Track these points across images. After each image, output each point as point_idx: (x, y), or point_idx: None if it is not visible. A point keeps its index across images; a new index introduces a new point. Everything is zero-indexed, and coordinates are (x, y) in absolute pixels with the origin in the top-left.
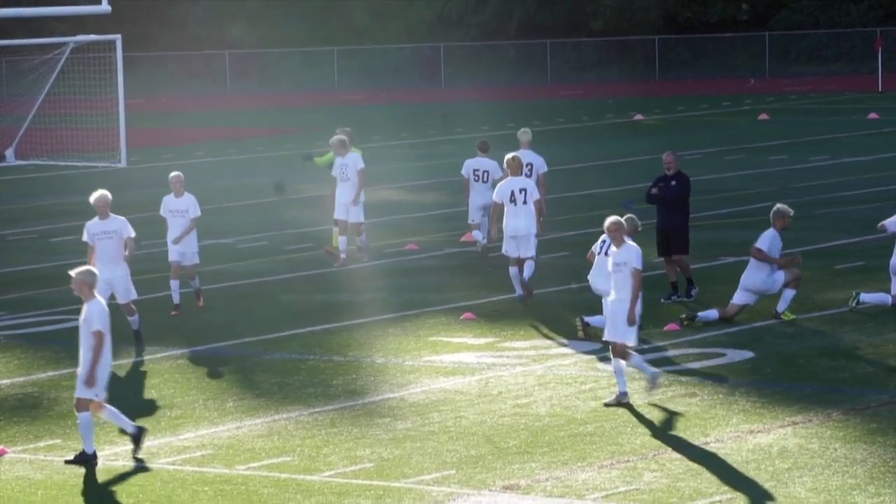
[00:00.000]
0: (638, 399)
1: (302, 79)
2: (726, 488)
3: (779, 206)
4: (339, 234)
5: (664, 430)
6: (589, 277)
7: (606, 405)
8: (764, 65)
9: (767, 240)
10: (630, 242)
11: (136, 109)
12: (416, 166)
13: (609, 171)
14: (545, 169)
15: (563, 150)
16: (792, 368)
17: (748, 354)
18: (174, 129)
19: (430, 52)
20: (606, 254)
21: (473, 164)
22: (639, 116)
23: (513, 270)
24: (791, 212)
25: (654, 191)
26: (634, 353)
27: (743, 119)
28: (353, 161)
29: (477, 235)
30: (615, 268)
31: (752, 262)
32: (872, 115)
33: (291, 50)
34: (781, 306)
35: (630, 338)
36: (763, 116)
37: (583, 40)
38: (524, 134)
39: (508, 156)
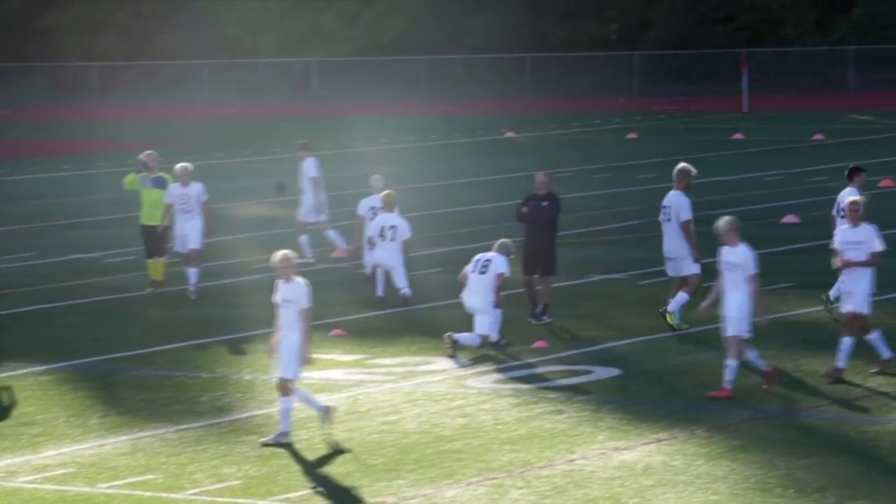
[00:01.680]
0: (505, 416)
1: (173, 92)
2: None
3: (682, 165)
4: (187, 265)
5: (531, 448)
6: (462, 296)
7: (264, 444)
8: (633, 84)
9: (688, 206)
10: (299, 280)
11: (3, 121)
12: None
13: (481, 188)
14: (409, 235)
15: (435, 166)
16: (657, 386)
17: (615, 372)
18: (41, 141)
19: (302, 66)
20: (480, 273)
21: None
22: (510, 133)
23: (377, 271)
24: (694, 171)
25: (524, 210)
26: (299, 388)
27: (612, 137)
28: (196, 193)
29: (335, 239)
30: (284, 304)
31: (669, 228)
32: (738, 136)
33: (162, 62)
34: (672, 307)
35: (295, 373)
36: (632, 135)
37: (456, 57)
38: (376, 180)
39: (384, 193)
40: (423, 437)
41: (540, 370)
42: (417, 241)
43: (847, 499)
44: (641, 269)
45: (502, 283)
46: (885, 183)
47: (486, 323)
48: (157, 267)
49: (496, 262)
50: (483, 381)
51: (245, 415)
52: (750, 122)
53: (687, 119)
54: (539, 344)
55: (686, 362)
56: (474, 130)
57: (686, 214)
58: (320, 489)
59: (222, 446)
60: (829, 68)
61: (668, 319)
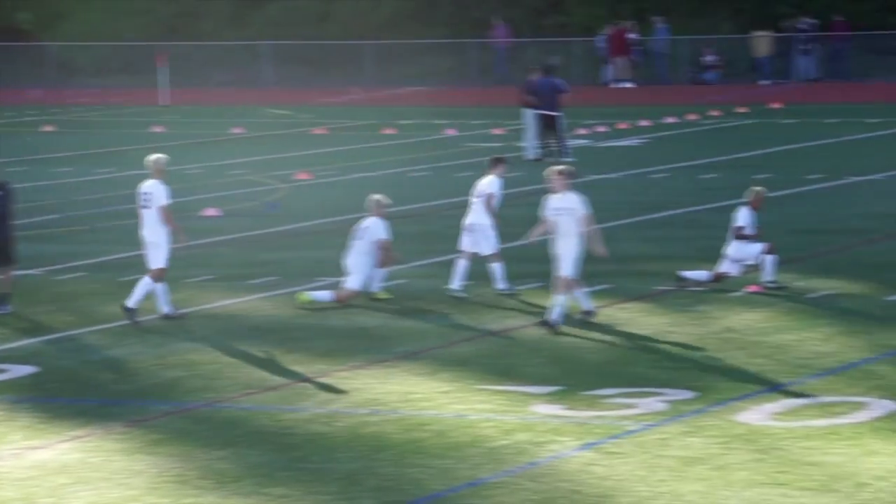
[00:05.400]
0: None
1: None
2: None
3: (157, 154)
4: None
5: None
6: None
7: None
8: (48, 75)
9: (165, 192)
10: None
11: None
12: None
13: None
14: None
15: None
16: (75, 382)
17: (31, 369)
18: None
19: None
20: None
21: None
22: None
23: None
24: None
25: None
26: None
27: (26, 130)
28: None
29: None
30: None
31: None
32: (158, 129)
33: None
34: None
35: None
36: (48, 128)
37: None
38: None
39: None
40: None
41: None
42: None
43: (263, 486)
44: (57, 264)
45: None
46: (302, 175)
47: None
48: None
49: None
50: None
51: None
52: (170, 116)
53: (105, 112)
54: None
55: (104, 357)
56: None
57: (162, 199)
58: None
59: None
60: (246, 63)
61: None
